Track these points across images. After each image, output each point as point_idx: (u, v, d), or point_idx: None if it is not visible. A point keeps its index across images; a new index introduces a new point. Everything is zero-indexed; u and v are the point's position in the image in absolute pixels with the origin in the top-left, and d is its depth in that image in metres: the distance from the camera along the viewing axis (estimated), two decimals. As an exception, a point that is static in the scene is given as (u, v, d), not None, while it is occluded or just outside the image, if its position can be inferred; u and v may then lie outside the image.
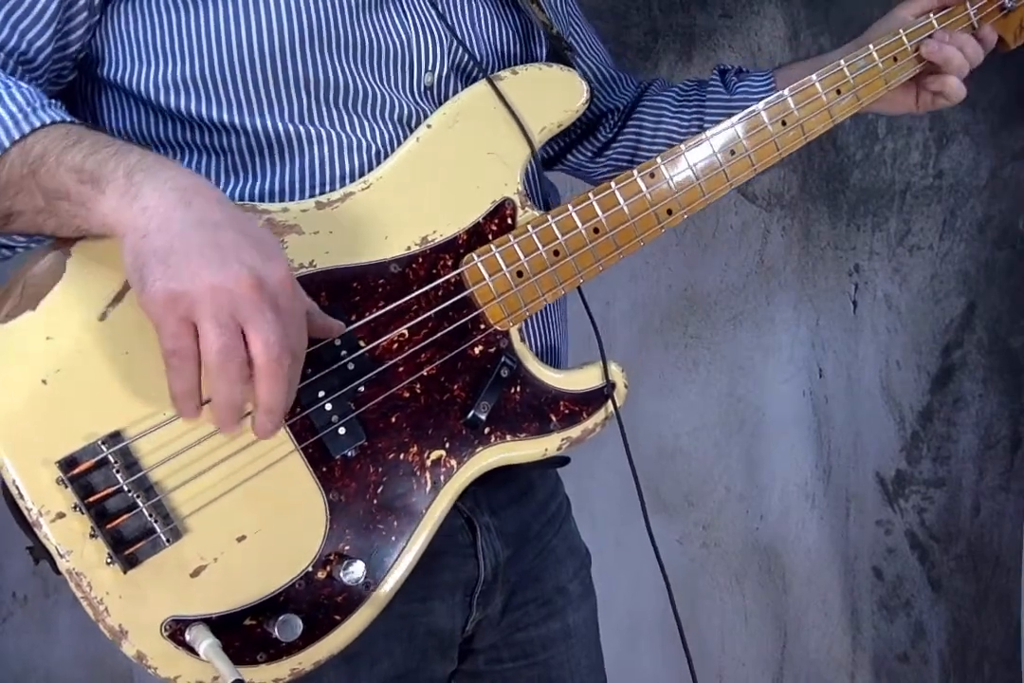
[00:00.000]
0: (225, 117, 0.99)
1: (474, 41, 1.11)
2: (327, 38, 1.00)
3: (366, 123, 1.03)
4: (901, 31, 1.22)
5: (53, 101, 0.89)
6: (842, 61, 1.19)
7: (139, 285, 0.81)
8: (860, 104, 1.21)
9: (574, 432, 1.08)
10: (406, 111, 1.04)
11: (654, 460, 2.26)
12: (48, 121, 0.86)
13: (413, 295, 1.00)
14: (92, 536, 0.86)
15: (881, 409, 2.40)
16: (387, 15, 1.04)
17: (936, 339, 2.38)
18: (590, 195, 1.08)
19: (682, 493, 2.31)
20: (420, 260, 1.01)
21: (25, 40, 0.94)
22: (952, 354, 2.40)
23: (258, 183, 1.01)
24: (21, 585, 1.99)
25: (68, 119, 0.88)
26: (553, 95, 1.10)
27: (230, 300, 0.80)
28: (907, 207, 2.35)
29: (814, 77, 1.17)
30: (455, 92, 1.07)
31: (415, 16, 1.06)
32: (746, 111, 1.14)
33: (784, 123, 1.16)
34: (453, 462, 1.01)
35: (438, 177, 1.03)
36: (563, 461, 1.20)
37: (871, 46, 1.20)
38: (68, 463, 0.85)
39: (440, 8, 1.08)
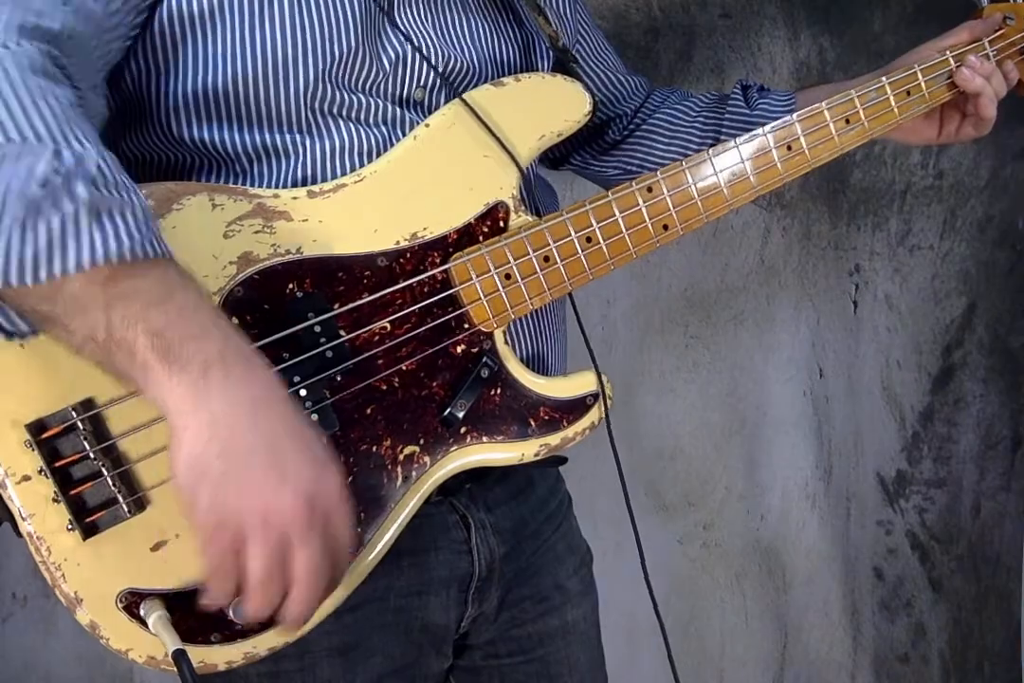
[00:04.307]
0: (227, 135, 1.00)
1: (472, 55, 1.12)
2: (322, 58, 1.01)
3: (360, 128, 1.04)
4: (916, 66, 1.22)
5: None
6: (853, 91, 1.18)
7: (191, 497, 0.80)
8: (870, 134, 1.20)
9: (553, 439, 1.08)
10: (398, 116, 1.05)
11: (654, 460, 2.26)
12: (164, 253, 0.81)
13: (397, 288, 1.00)
14: (55, 501, 0.86)
15: (882, 409, 2.39)
16: (381, 35, 1.05)
17: (937, 339, 2.38)
18: (586, 203, 1.08)
19: (682, 493, 2.31)
20: (408, 255, 1.01)
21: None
22: (953, 354, 2.39)
23: (256, 183, 1.02)
24: (21, 585, 1.99)
25: (171, 254, 0.83)
26: (555, 104, 1.10)
27: (281, 523, 0.79)
28: (907, 207, 2.34)
29: (823, 105, 1.17)
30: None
31: (405, 36, 1.07)
32: (750, 134, 1.14)
33: (789, 148, 1.15)
34: (426, 459, 1.01)
35: (432, 175, 1.04)
36: (561, 460, 1.20)
37: (884, 78, 1.20)
38: (37, 426, 0.86)
39: (427, 29, 1.08)
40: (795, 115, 1.15)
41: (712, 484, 2.34)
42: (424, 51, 1.07)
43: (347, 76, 1.02)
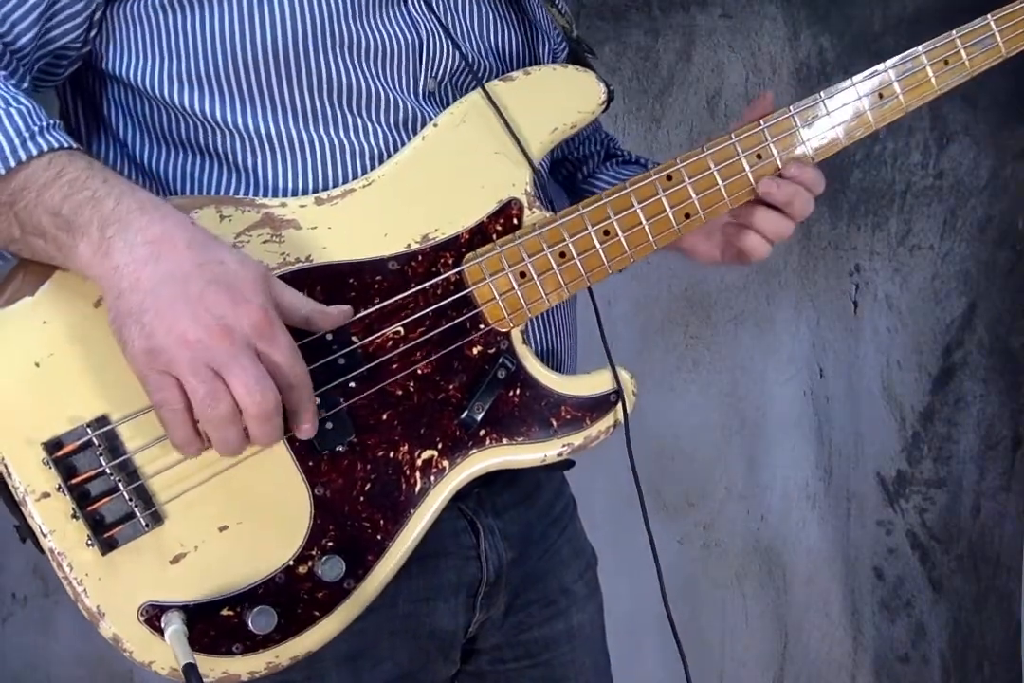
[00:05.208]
0: (228, 115, 0.99)
1: (477, 45, 1.10)
2: (331, 37, 0.99)
3: (369, 126, 1.02)
4: (954, 33, 1.15)
5: (53, 122, 0.89)
6: (886, 64, 1.13)
7: (122, 345, 0.84)
8: (905, 109, 1.14)
9: (576, 438, 1.06)
10: (410, 113, 1.04)
11: (654, 460, 2.26)
12: (46, 148, 0.86)
13: (410, 292, 0.99)
14: (74, 517, 0.87)
15: (882, 409, 2.40)
16: (392, 17, 1.04)
17: (937, 339, 2.38)
18: (603, 196, 1.05)
19: (682, 493, 2.31)
20: (420, 258, 1.00)
21: (8, 21, 0.93)
22: (953, 354, 2.40)
23: (260, 186, 1.01)
24: (21, 585, 1.99)
25: (65, 144, 0.88)
26: (567, 96, 1.07)
27: (203, 351, 0.82)
28: (907, 207, 2.34)
29: (851, 81, 1.12)
30: (457, 98, 1.06)
31: (420, 20, 1.06)
32: (778, 111, 1.10)
33: (823, 127, 1.11)
34: (445, 463, 1.00)
35: (442, 175, 1.02)
36: (568, 464, 1.19)
37: (920, 48, 1.14)
38: (54, 445, 0.87)
39: (440, 14, 1.07)
40: (823, 92, 1.12)
41: (712, 484, 2.34)
42: (435, 39, 1.05)
43: (357, 60, 1.00)
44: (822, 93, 1.12)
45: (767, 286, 2.33)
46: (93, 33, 0.99)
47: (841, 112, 1.12)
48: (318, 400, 0.92)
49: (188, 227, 0.87)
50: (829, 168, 2.44)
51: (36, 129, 0.87)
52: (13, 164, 0.85)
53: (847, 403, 2.38)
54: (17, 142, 0.86)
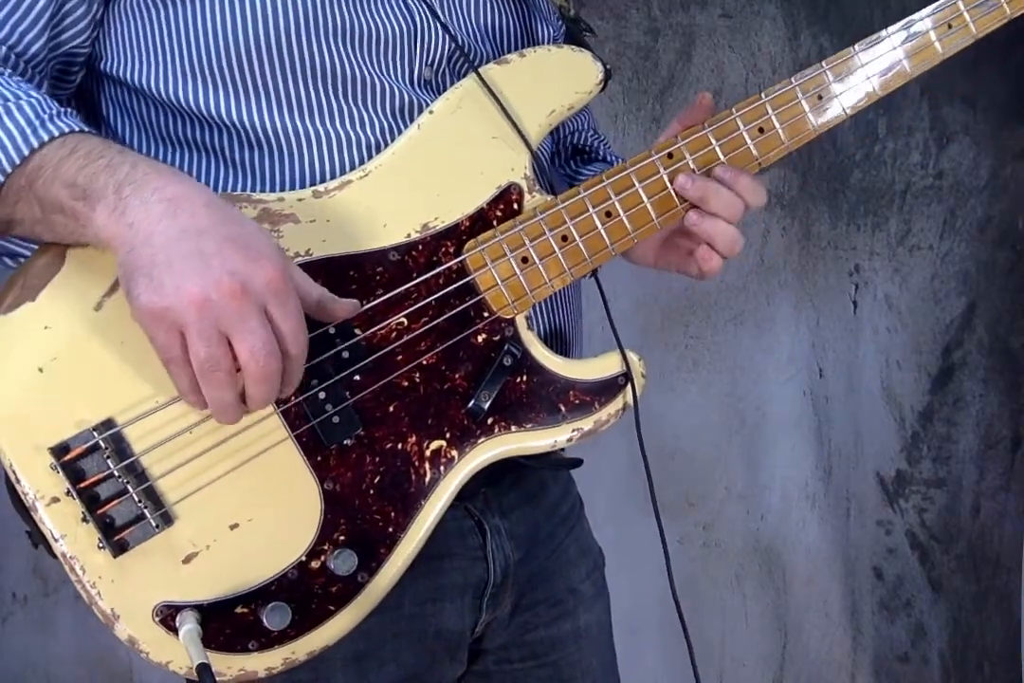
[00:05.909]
0: (223, 109, 0.99)
1: (473, 31, 1.09)
2: (326, 25, 0.99)
3: (365, 115, 1.02)
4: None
5: (64, 109, 0.90)
6: (889, 30, 1.09)
7: (129, 298, 0.84)
8: (910, 75, 1.10)
9: (585, 423, 1.05)
10: (406, 101, 1.03)
11: (654, 460, 2.25)
12: (56, 134, 0.87)
13: (412, 283, 0.98)
14: (84, 521, 0.87)
15: (881, 409, 2.40)
16: (386, 4, 1.03)
17: (936, 339, 2.39)
18: (603, 178, 1.04)
19: (682, 493, 2.31)
20: (420, 247, 0.99)
21: (17, 32, 0.94)
22: (952, 354, 2.40)
23: (257, 181, 1.01)
24: (21, 585, 1.99)
25: (76, 128, 0.89)
26: (564, 77, 1.06)
27: (212, 310, 0.81)
28: (907, 207, 2.35)
29: (856, 47, 1.08)
30: (454, 85, 1.04)
31: (415, 7, 1.05)
32: (777, 87, 1.08)
33: (820, 97, 1.08)
34: (454, 453, 0.99)
35: (440, 163, 1.01)
36: (576, 463, 1.19)
37: (926, 11, 1.10)
38: (61, 449, 0.87)
39: (432, 1, 1.06)
40: (824, 62, 1.09)
41: (712, 484, 2.34)
42: (430, 26, 1.04)
43: (352, 48, 1.00)
44: (824, 63, 1.09)
45: (767, 286, 2.33)
46: (96, 34, 1.00)
47: (846, 81, 1.09)
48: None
49: (207, 191, 0.87)
50: (829, 168, 2.45)
51: (46, 117, 0.88)
52: (27, 152, 0.86)
53: (847, 403, 2.39)
54: (29, 131, 0.87)
